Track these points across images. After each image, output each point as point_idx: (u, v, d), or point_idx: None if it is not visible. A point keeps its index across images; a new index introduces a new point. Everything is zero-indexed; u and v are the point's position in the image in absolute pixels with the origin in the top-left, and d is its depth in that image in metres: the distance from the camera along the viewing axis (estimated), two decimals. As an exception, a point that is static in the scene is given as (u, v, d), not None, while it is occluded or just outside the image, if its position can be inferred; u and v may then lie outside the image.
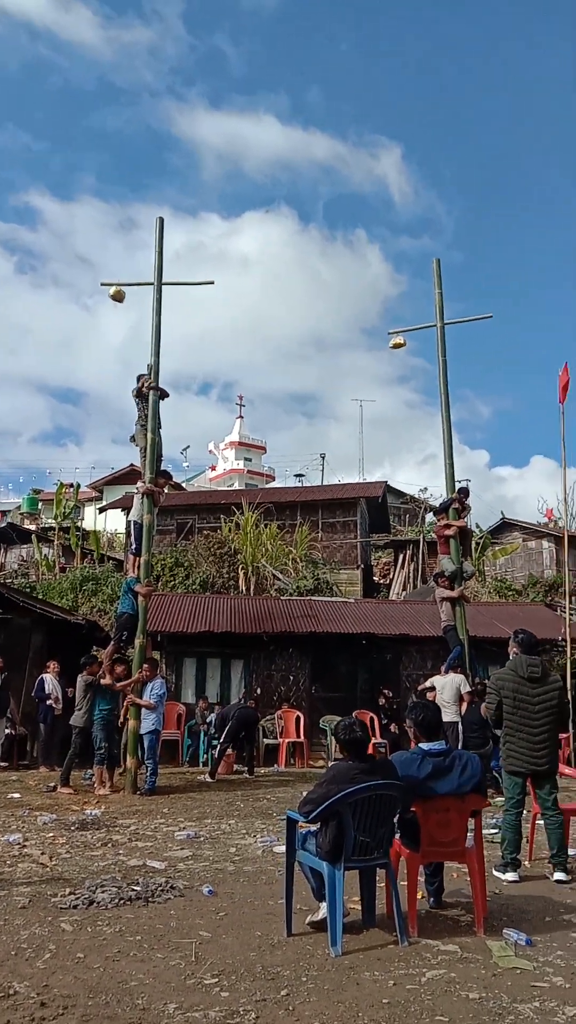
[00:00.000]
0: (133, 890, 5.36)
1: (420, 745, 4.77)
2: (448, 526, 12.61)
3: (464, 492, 13.02)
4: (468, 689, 11.33)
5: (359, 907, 4.76)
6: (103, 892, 5.33)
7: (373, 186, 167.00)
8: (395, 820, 4.56)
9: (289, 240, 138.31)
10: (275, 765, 13.93)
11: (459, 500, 12.79)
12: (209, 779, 11.69)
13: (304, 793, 10.31)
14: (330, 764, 4.70)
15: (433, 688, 11.59)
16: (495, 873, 5.82)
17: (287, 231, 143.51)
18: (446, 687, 11.38)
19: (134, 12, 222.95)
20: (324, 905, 4.42)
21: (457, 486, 12.99)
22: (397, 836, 4.66)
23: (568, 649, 13.91)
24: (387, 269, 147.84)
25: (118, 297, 13.09)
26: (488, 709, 6.52)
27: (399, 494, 38.18)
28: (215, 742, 12.60)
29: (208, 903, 5.14)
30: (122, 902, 5.12)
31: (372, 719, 14.74)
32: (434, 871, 5.08)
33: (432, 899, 5.06)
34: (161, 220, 13.00)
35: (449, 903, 5.11)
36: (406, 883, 4.62)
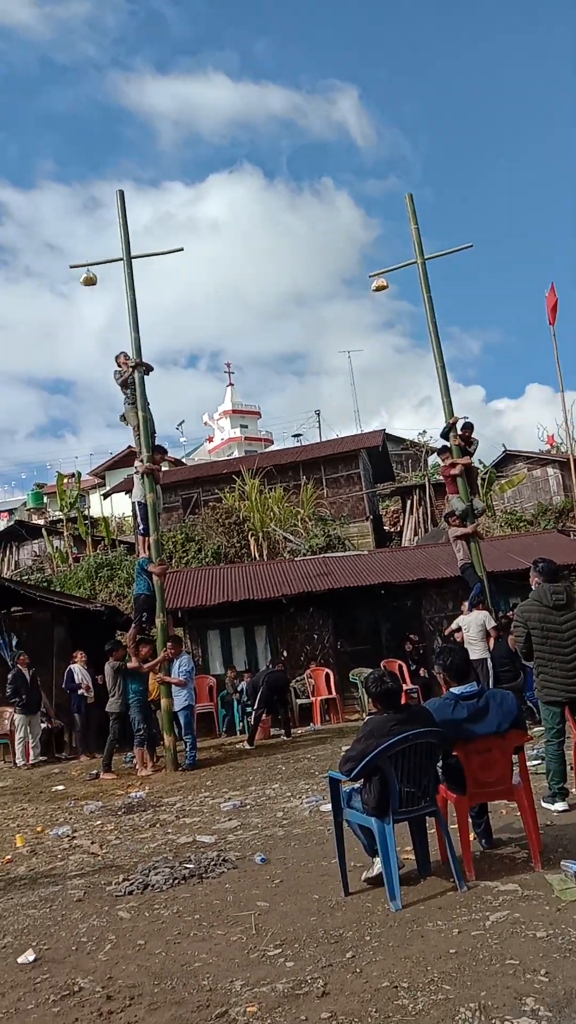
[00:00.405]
0: (186, 868, 5.35)
1: (451, 690, 4.69)
2: (453, 464, 12.44)
3: (468, 427, 12.76)
4: (493, 624, 11.29)
5: (413, 857, 4.73)
6: (156, 874, 5.32)
7: (334, 133, 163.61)
8: (438, 767, 4.50)
9: (257, 198, 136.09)
10: (311, 724, 14.00)
11: (465, 435, 12.55)
12: (248, 746, 11.74)
13: (343, 748, 10.34)
14: (365, 718, 4.62)
15: (460, 629, 11.55)
16: (544, 805, 5.78)
17: (253, 189, 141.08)
18: (471, 625, 11.35)
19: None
20: (378, 860, 4.38)
21: (460, 423, 12.76)
22: (442, 782, 4.60)
23: (587, 572, 13.82)
24: (359, 215, 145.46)
25: (89, 282, 12.85)
26: (517, 642, 6.43)
27: (399, 441, 37.86)
28: (249, 709, 12.64)
29: (262, 872, 5.12)
30: (176, 882, 5.10)
31: (400, 667, 14.75)
32: (479, 812, 5.02)
33: (483, 840, 5.02)
34: (121, 193, 12.68)
35: (501, 841, 5.08)
36: (457, 827, 4.59)
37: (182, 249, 13.23)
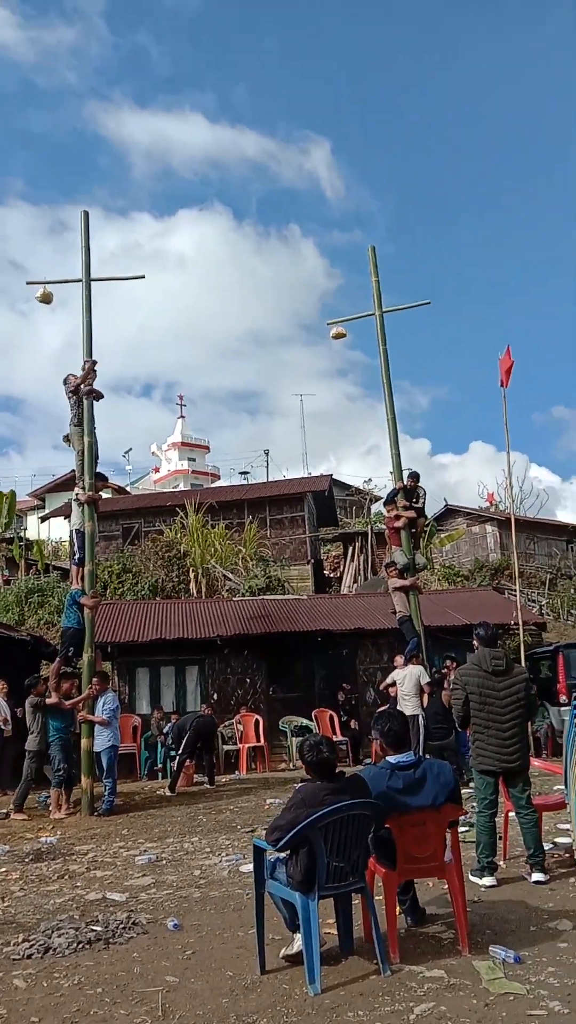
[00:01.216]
0: (92, 930, 4.98)
1: (388, 758, 4.50)
2: (398, 517, 12.41)
3: (414, 476, 12.75)
4: (428, 680, 11.19)
5: (335, 931, 4.48)
6: (60, 936, 4.93)
7: (304, 182, 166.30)
8: (369, 840, 4.28)
9: (224, 238, 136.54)
10: (236, 772, 13.60)
11: (411, 485, 12.52)
12: (169, 793, 11.30)
13: (268, 801, 10.01)
14: (297, 786, 4.38)
15: (395, 683, 11.43)
16: (471, 878, 5.59)
17: (222, 228, 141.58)
18: (406, 679, 11.23)
19: (55, 11, 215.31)
20: (298, 937, 4.12)
21: (405, 473, 12.77)
22: (371, 855, 4.38)
23: (521, 632, 13.88)
24: (323, 264, 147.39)
25: (46, 299, 12.65)
26: (455, 706, 6.30)
27: (344, 487, 38.09)
28: (173, 754, 12.21)
29: (174, 939, 4.79)
30: (80, 946, 4.74)
31: (331, 717, 14.53)
32: (404, 887, 4.78)
33: (409, 917, 4.79)
34: (86, 213, 12.57)
35: (428, 917, 4.85)
36: (383, 900, 4.36)
37: (143, 276, 13.11)
